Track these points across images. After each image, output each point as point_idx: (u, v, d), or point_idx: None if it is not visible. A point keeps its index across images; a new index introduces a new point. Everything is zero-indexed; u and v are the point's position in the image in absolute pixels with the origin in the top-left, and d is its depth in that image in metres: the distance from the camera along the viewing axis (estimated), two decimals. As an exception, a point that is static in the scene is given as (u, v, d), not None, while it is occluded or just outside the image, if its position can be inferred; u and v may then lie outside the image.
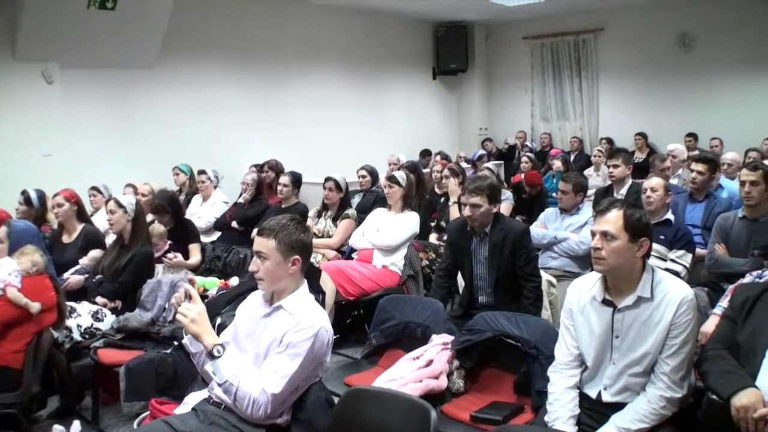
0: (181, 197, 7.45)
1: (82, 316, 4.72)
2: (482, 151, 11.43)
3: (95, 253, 5.45)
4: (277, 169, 8.37)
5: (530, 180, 8.06)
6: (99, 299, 4.93)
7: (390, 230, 5.87)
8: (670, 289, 2.86)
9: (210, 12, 9.64)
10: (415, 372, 3.67)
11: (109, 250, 5.35)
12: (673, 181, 7.23)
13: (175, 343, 4.28)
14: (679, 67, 12.22)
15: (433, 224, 6.88)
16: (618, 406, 2.88)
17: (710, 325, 3.44)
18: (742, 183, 4.82)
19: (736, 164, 7.12)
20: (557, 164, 9.28)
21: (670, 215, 5.14)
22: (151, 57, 8.80)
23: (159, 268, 5.40)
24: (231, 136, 9.94)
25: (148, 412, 3.25)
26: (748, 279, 3.95)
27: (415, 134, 13.11)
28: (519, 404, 3.51)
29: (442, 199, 7.16)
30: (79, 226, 5.62)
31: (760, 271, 4.02)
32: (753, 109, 11.27)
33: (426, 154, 11.68)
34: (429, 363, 3.75)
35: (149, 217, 5.92)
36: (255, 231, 3.10)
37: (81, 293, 5.08)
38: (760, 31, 11.18)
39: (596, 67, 13.34)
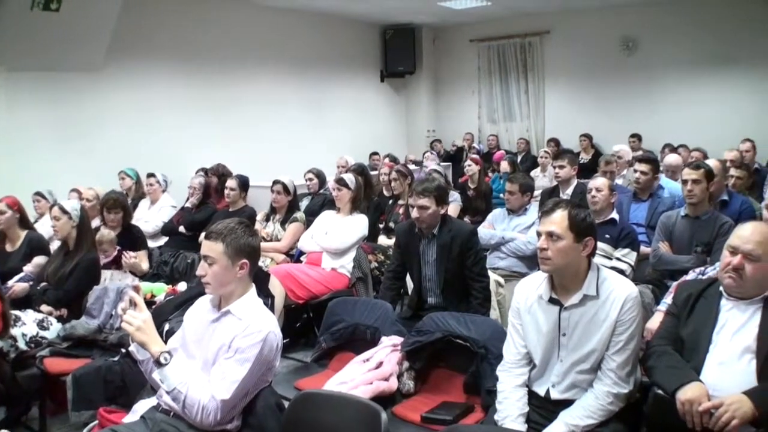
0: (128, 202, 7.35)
1: (27, 324, 4.60)
2: (432, 158, 11.48)
3: (39, 259, 5.35)
4: (219, 173, 8.27)
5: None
6: (44, 307, 4.81)
7: (339, 233, 5.86)
8: (615, 287, 2.90)
9: (157, 14, 9.51)
10: (365, 374, 3.67)
11: (53, 256, 5.25)
12: (618, 181, 7.34)
13: (123, 350, 4.21)
14: (622, 70, 12.41)
15: (381, 226, 6.90)
16: (566, 403, 2.91)
17: (655, 322, 3.50)
18: (685, 182, 4.92)
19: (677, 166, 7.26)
20: (504, 165, 9.35)
21: (614, 214, 5.21)
22: (97, 59, 8.65)
23: (106, 274, 5.32)
24: (178, 139, 9.83)
25: (96, 422, 3.19)
26: (691, 276, 4.03)
27: (364, 136, 13.11)
28: (469, 404, 3.52)
29: (391, 201, 7.17)
30: (22, 234, 5.52)
31: (702, 268, 4.11)
32: (695, 110, 11.50)
33: (374, 155, 11.69)
34: (379, 365, 3.75)
35: (95, 223, 5.83)
36: (203, 235, 3.07)
37: (26, 301, 4.96)
38: (701, 34, 11.41)
39: (542, 69, 13.47)
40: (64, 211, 5.06)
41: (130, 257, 5.48)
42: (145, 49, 9.46)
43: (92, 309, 4.69)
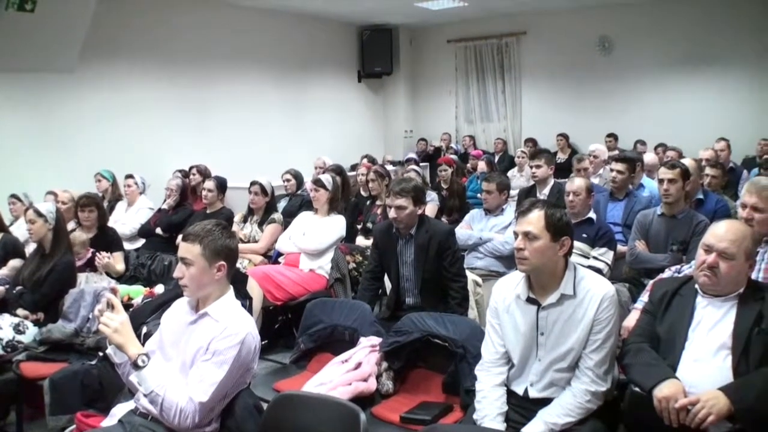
0: (104, 204, 7.29)
1: (3, 329, 4.55)
2: (412, 154, 11.51)
3: (15, 263, 5.30)
4: (204, 173, 8.26)
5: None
6: (20, 311, 4.75)
7: (316, 234, 5.85)
8: (592, 286, 2.91)
9: (133, 15, 9.44)
10: (344, 375, 3.66)
11: (29, 259, 5.20)
12: (595, 180, 7.38)
13: (100, 354, 4.18)
14: (599, 70, 12.50)
15: (359, 227, 6.90)
16: (545, 402, 2.92)
17: (632, 320, 3.53)
18: (661, 181, 4.96)
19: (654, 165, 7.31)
20: (481, 165, 9.38)
21: (591, 214, 5.24)
22: (72, 60, 8.55)
23: (82, 277, 5.27)
24: (154, 140, 9.77)
25: (74, 426, 3.17)
26: (667, 274, 4.07)
27: (341, 137, 13.10)
28: (448, 403, 3.53)
29: (368, 202, 7.17)
30: (-3, 236, 5.48)
31: (678, 266, 4.15)
32: (671, 110, 11.62)
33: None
34: (358, 366, 3.74)
35: (70, 225, 5.79)
36: (180, 237, 3.06)
37: (1, 305, 4.91)
38: (676, 35, 11.52)
39: (519, 69, 13.52)
40: (39, 214, 5.01)
41: (103, 257, 5.43)
42: (121, 50, 9.39)
43: (69, 312, 4.65)
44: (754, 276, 3.27)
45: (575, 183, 5.29)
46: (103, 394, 4.05)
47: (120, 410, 2.97)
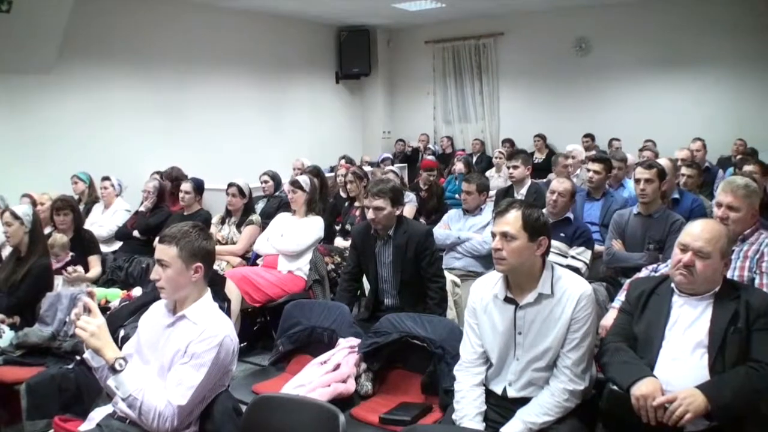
0: (81, 206, 7.24)
1: (-20, 333, 4.54)
2: (387, 154, 11.51)
3: (-9, 266, 5.26)
4: (173, 177, 8.16)
5: (426, 164, 8.24)
6: (-4, 315, 4.75)
7: (294, 235, 5.83)
8: (569, 286, 2.93)
9: (110, 15, 9.38)
10: (323, 376, 3.66)
11: (5, 263, 5.14)
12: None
13: (78, 357, 4.15)
14: (576, 71, 12.57)
15: (338, 228, 6.90)
16: (523, 401, 2.93)
17: (609, 319, 3.56)
18: (637, 180, 4.99)
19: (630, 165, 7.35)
20: (459, 166, 9.39)
21: (569, 213, 5.27)
22: (49, 61, 8.49)
23: (59, 280, 5.23)
24: (132, 142, 9.70)
25: (52, 431, 3.15)
26: (644, 273, 4.10)
27: (319, 138, 13.09)
28: (427, 404, 3.53)
29: (347, 203, 7.17)
30: (-26, 240, 5.42)
31: (655, 265, 4.19)
32: (647, 110, 11.72)
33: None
34: (337, 367, 3.75)
35: (47, 229, 5.74)
36: (157, 239, 3.04)
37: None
38: (653, 36, 11.62)
39: (496, 70, 13.57)
40: (15, 217, 4.96)
41: (72, 270, 5.38)
42: (98, 51, 9.32)
43: (45, 316, 4.62)
44: (729, 275, 3.30)
45: (563, 185, 5.27)
46: (81, 398, 4.03)
47: (98, 414, 2.95)
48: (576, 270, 4.76)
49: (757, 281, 3.52)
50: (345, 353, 3.83)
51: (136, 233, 6.97)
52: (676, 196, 5.68)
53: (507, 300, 2.99)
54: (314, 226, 5.91)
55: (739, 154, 9.23)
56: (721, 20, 10.98)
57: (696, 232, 2.86)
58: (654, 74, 11.78)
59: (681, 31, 11.34)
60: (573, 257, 5.02)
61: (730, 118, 10.92)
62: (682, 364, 2.75)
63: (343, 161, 9.57)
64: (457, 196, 6.70)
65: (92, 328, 2.69)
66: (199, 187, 6.89)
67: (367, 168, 8.67)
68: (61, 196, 5.94)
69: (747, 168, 5.57)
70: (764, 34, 10.59)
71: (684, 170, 6.27)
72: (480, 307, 3.08)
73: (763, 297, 2.83)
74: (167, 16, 10.21)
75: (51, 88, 8.76)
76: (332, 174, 8.72)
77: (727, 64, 11.13)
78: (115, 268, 5.85)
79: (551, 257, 3.24)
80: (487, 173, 9.61)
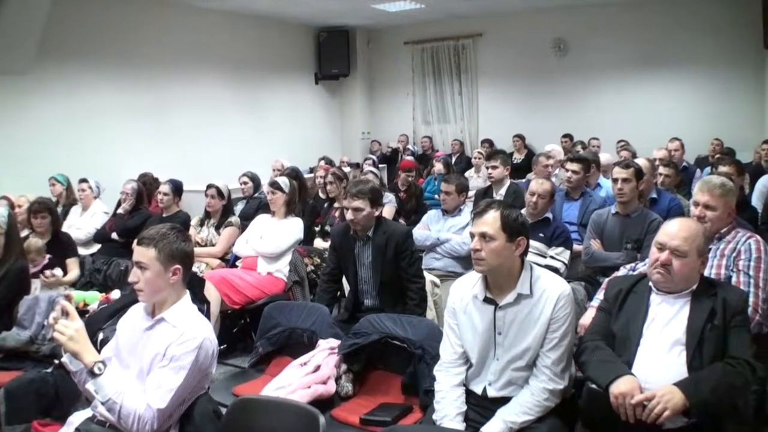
0: (59, 209, 7.19)
1: (-44, 337, 4.50)
2: (371, 156, 11.50)
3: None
4: (147, 183, 8.10)
5: (405, 165, 8.24)
6: (-28, 319, 4.70)
7: (273, 237, 5.81)
8: (548, 285, 2.95)
9: (88, 16, 9.31)
10: (303, 378, 3.66)
11: (-20, 266, 5.11)
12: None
13: (56, 361, 4.12)
14: (554, 71, 12.64)
15: (317, 229, 6.89)
16: (503, 401, 2.94)
17: (588, 318, 3.57)
18: (615, 180, 5.02)
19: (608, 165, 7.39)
20: (438, 167, 9.40)
21: (548, 213, 5.29)
22: (26, 62, 8.35)
23: (36, 283, 5.19)
24: (110, 144, 9.62)
25: (31, 435, 3.14)
26: (622, 272, 4.12)
27: (298, 139, 13.05)
28: (407, 404, 3.54)
29: (326, 204, 7.16)
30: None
31: (633, 264, 4.21)
32: (625, 110, 11.82)
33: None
34: (317, 368, 3.74)
35: (24, 231, 5.69)
36: (135, 241, 3.03)
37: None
38: (630, 37, 11.72)
39: (475, 71, 13.61)
40: (-8, 219, 4.92)
41: (50, 275, 5.34)
42: (76, 52, 9.25)
43: (23, 320, 4.57)
44: (706, 273, 3.32)
45: (543, 186, 5.29)
46: (60, 402, 3.98)
47: (77, 418, 2.93)
48: (555, 270, 4.79)
49: (734, 279, 3.54)
50: (325, 354, 3.83)
51: (114, 235, 6.92)
52: (654, 195, 5.72)
53: (486, 300, 3.00)
54: (293, 228, 5.89)
55: (716, 153, 9.32)
56: (698, 21, 11.10)
57: (673, 231, 2.89)
58: (632, 74, 11.88)
59: (658, 31, 11.45)
60: (552, 257, 5.04)
61: (707, 118, 11.03)
62: (660, 361, 2.77)
63: (322, 162, 9.55)
64: (436, 196, 6.70)
65: (70, 331, 2.67)
66: (177, 188, 6.85)
67: (346, 169, 8.67)
68: (39, 199, 5.90)
69: (722, 169, 5.62)
70: (741, 34, 10.71)
71: (662, 170, 6.31)
72: (459, 307, 3.09)
73: (739, 294, 2.87)
74: (145, 16, 10.14)
75: (28, 89, 8.67)
76: (311, 175, 8.70)
77: (705, 65, 11.24)
78: (94, 270, 5.81)
79: (530, 257, 3.25)
80: (466, 174, 9.63)
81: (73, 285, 5.55)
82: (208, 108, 11.37)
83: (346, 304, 4.84)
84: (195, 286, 3.96)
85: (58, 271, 5.40)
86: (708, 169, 7.64)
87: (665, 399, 2.56)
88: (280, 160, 9.37)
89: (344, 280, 4.87)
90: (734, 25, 10.80)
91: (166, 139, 10.50)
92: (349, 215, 4.50)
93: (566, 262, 5.04)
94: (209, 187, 6.47)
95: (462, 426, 2.94)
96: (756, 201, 6.61)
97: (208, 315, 4.55)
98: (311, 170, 9.89)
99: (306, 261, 5.97)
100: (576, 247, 5.32)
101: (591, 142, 10.96)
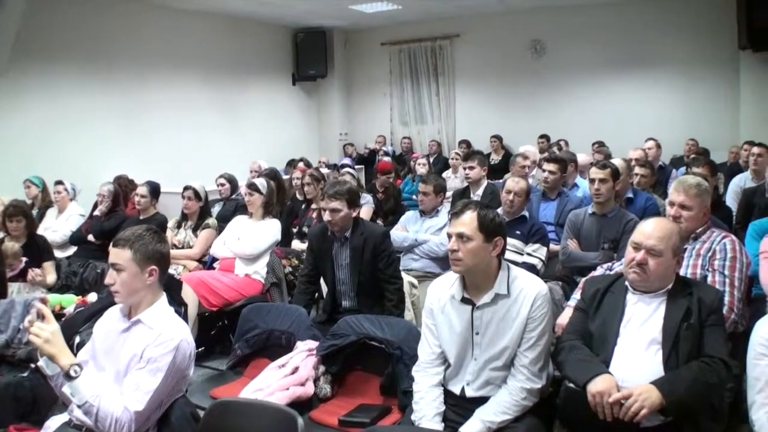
0: (34, 211, 7.13)
1: (-68, 342, 4.44)
2: (346, 160, 11.48)
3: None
4: (123, 185, 8.05)
5: (382, 167, 8.26)
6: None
7: (251, 238, 5.80)
8: (525, 285, 2.96)
9: (64, 17, 9.20)
10: (281, 380, 3.66)
11: (-44, 269, 5.06)
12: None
13: (32, 365, 4.08)
14: (531, 72, 12.66)
15: (295, 230, 6.87)
16: (481, 401, 2.96)
17: (565, 317, 3.58)
18: (592, 180, 5.05)
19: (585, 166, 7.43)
20: (421, 170, 9.38)
21: (525, 211, 5.32)
22: (1, 63, 8.34)
23: (12, 287, 5.15)
24: (86, 146, 9.52)
25: (8, 440, 3.11)
26: (599, 271, 4.14)
27: (276, 140, 13.00)
28: (386, 405, 3.55)
29: (304, 206, 7.15)
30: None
31: (610, 264, 4.23)
32: (601, 110, 11.87)
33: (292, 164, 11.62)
34: (295, 370, 3.74)
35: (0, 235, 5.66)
36: (111, 243, 3.01)
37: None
38: (606, 38, 11.75)
39: (453, 72, 13.61)
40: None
41: (36, 275, 5.30)
42: (52, 53, 9.14)
43: (-1, 324, 4.54)
44: (682, 272, 3.36)
45: (519, 184, 5.32)
46: (37, 406, 3.95)
47: (54, 423, 2.91)
48: (532, 267, 4.83)
49: (709, 279, 3.57)
50: (303, 356, 3.83)
51: (90, 238, 6.88)
52: (630, 195, 5.76)
53: (464, 300, 3.01)
54: (271, 229, 5.88)
55: (692, 153, 9.39)
56: (673, 22, 11.15)
57: (648, 230, 2.91)
58: (608, 75, 11.94)
59: (634, 33, 11.50)
60: (529, 254, 5.06)
61: (682, 118, 11.12)
62: (636, 360, 2.79)
63: (300, 163, 9.52)
64: (414, 197, 6.71)
65: (46, 334, 2.64)
66: (154, 190, 6.81)
67: (324, 170, 8.65)
68: (14, 202, 5.86)
69: (696, 170, 5.66)
70: (716, 36, 10.77)
71: (638, 170, 6.35)
72: (437, 307, 3.10)
73: (714, 294, 2.90)
74: (122, 17, 10.04)
75: (3, 91, 8.57)
76: (288, 177, 8.68)
77: (680, 66, 11.30)
78: (70, 273, 5.78)
79: (508, 254, 3.26)
80: (444, 174, 9.63)
81: (50, 288, 5.51)
82: (184, 109, 11.30)
83: (323, 305, 4.83)
84: (172, 288, 3.95)
85: (42, 270, 5.38)
86: (683, 168, 7.69)
87: (642, 397, 2.58)
88: (257, 161, 9.34)
89: (322, 281, 4.86)
90: (709, 26, 10.86)
91: (143, 140, 10.40)
92: (326, 216, 4.50)
93: (543, 259, 5.06)
94: (186, 188, 6.43)
95: (440, 426, 2.94)
96: (730, 201, 6.67)
97: (185, 317, 4.53)
98: (286, 170, 9.85)
99: (284, 262, 5.95)
100: (553, 247, 5.35)
101: (559, 143, 11.00)
